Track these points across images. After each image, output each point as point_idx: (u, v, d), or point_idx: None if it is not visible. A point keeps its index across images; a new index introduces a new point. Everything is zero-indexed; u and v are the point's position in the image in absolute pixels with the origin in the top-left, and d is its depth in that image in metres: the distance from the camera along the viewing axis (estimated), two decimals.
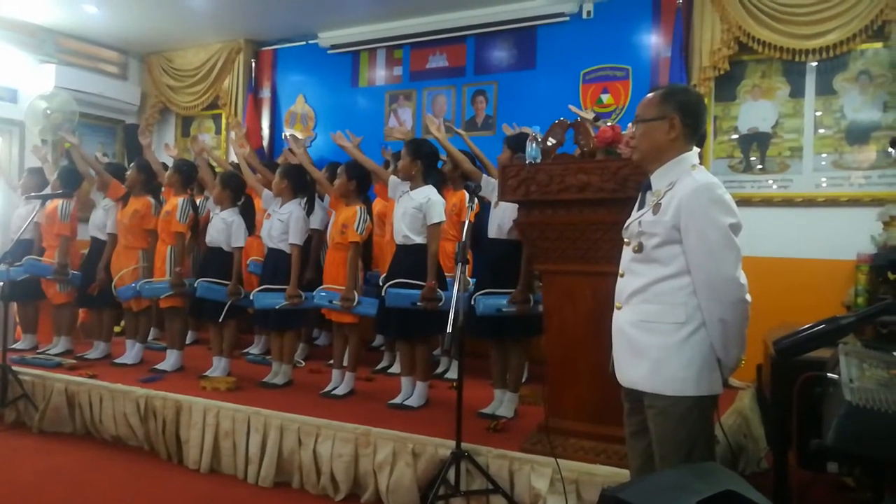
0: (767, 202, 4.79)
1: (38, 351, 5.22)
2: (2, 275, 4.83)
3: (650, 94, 2.16)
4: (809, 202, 4.66)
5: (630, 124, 2.39)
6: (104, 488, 3.44)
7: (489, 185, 3.63)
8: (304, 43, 6.60)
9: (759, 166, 4.84)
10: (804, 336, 2.04)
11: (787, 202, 4.74)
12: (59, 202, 5.06)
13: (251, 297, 4.27)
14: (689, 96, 2.16)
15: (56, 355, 5.04)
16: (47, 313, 5.42)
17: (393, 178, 4.02)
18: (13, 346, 5.11)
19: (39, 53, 6.41)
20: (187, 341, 5.14)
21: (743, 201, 4.60)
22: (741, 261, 1.99)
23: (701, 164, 2.14)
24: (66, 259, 5.11)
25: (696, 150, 2.16)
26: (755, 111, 4.85)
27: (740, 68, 4.90)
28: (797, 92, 4.73)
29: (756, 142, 4.85)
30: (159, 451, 3.89)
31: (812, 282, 4.43)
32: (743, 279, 1.98)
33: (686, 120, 2.09)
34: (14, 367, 4.43)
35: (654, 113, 2.11)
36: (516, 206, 3.14)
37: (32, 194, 5.06)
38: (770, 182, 4.81)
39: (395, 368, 4.59)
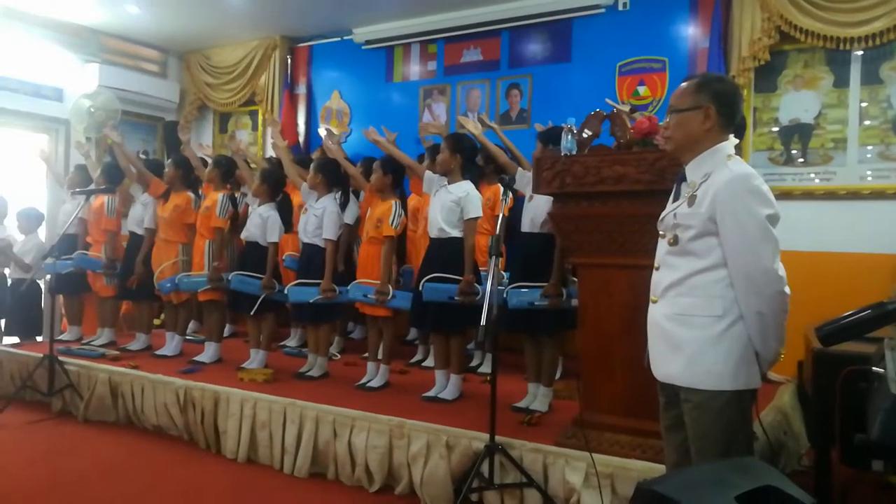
0: (809, 195, 4.67)
1: (82, 342, 5.37)
2: (49, 268, 4.98)
3: (684, 84, 2.12)
4: (854, 195, 4.54)
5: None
6: (145, 475, 3.52)
7: (523, 179, 3.62)
8: (338, 39, 6.65)
9: (801, 159, 4.72)
10: (848, 322, 1.98)
11: (830, 195, 4.61)
12: (105, 198, 5.21)
13: (286, 292, 4.33)
14: (724, 85, 2.12)
15: (100, 346, 5.18)
16: (92, 306, 5.58)
17: (428, 173, 4.02)
18: (59, 338, 5.27)
19: (84, 53, 6.57)
20: (225, 334, 5.23)
21: (783, 195, 4.50)
22: (779, 252, 1.94)
23: (739, 155, 2.10)
24: (115, 253, 5.25)
25: (732, 139, 2.11)
26: (797, 102, 4.74)
27: (781, 58, 4.78)
28: (841, 82, 4.60)
29: (798, 133, 4.73)
30: (198, 440, 3.97)
31: (855, 277, 4.31)
32: (781, 271, 1.93)
33: (721, 109, 2.05)
34: (60, 358, 4.57)
35: (688, 103, 2.08)
36: (550, 199, 3.13)
37: (78, 189, 5.20)
38: (812, 175, 4.69)
39: (429, 362, 4.60)
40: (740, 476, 1.61)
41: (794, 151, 4.75)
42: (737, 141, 2.18)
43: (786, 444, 3.42)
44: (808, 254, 4.39)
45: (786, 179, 4.73)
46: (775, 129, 4.80)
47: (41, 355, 4.54)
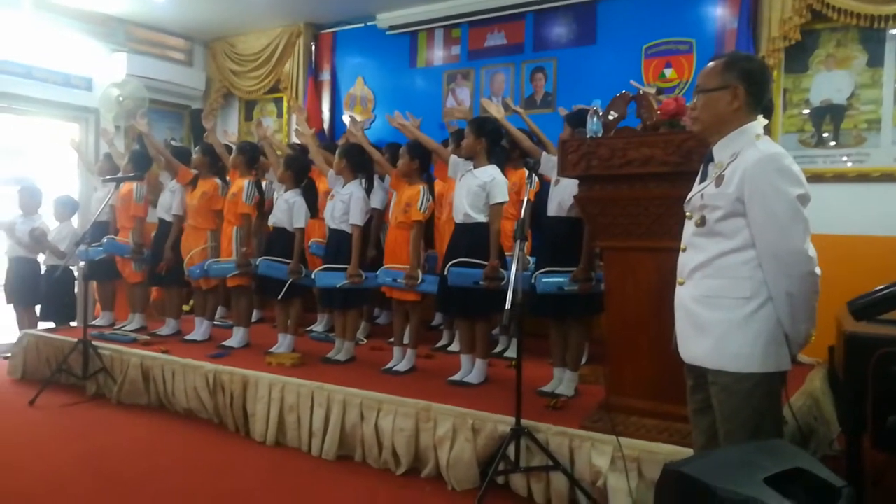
0: (841, 178, 4.57)
1: (115, 327, 5.48)
2: (81, 255, 5.08)
3: (711, 63, 2.09)
4: (888, 177, 4.43)
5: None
6: (177, 457, 3.60)
7: (549, 163, 3.59)
8: (362, 25, 6.64)
9: (833, 141, 4.62)
10: (881, 295, 1.95)
11: (864, 177, 4.51)
12: (133, 185, 5.29)
13: (313, 277, 4.37)
14: (752, 64, 2.08)
15: (132, 331, 5.28)
16: (123, 292, 5.68)
17: (454, 158, 4.02)
18: (93, 323, 5.38)
19: (112, 43, 6.65)
20: (253, 320, 5.29)
21: (815, 177, 4.40)
22: (809, 233, 1.91)
23: (768, 136, 2.07)
24: (142, 239, 5.34)
25: (761, 119, 2.08)
26: (829, 82, 4.63)
27: (813, 38, 4.67)
28: (875, 61, 4.48)
29: (829, 114, 4.63)
30: (227, 423, 4.04)
31: (888, 260, 4.21)
32: (812, 251, 1.91)
33: (750, 89, 2.02)
34: (94, 343, 4.67)
35: (715, 82, 2.04)
36: (576, 182, 3.10)
37: (108, 177, 5.29)
38: (844, 157, 4.59)
39: (455, 346, 4.62)
40: (769, 458, 1.60)
41: (825, 133, 4.65)
42: (766, 121, 2.15)
43: (816, 430, 3.38)
44: (840, 237, 4.31)
45: (816, 161, 4.64)
46: (806, 110, 4.70)
47: (75, 340, 4.65)
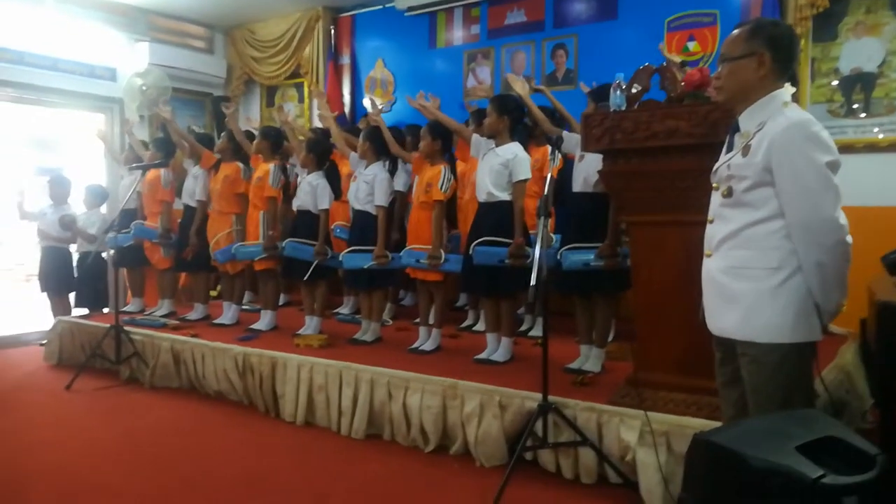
0: (872, 148, 4.48)
1: (145, 313, 5.58)
2: (111, 242, 5.17)
3: (736, 31, 2.05)
4: None
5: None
6: (209, 439, 3.66)
7: (571, 140, 3.56)
8: (380, 7, 6.62)
9: (863, 111, 4.52)
10: None
11: (895, 147, 4.42)
12: (160, 171, 5.36)
13: (340, 259, 4.39)
14: (779, 29, 2.04)
15: (161, 316, 5.38)
16: (152, 278, 5.78)
17: (476, 137, 4.00)
18: (124, 309, 5.48)
19: (134, 32, 6.71)
20: (279, 303, 5.35)
21: (845, 148, 4.32)
22: (840, 200, 1.88)
23: (796, 104, 2.03)
24: (170, 224, 5.42)
25: (788, 87, 2.04)
26: (859, 50, 4.52)
27: (841, 4, 4.55)
28: None
29: (860, 83, 4.53)
30: (257, 404, 4.10)
31: None
32: (843, 219, 1.87)
33: (776, 55, 1.98)
34: (126, 328, 4.76)
35: (741, 50, 2.01)
36: (601, 157, 3.08)
37: (134, 165, 5.36)
38: (875, 127, 4.49)
39: (480, 326, 4.64)
40: (801, 426, 1.59)
41: (855, 104, 4.55)
42: (793, 89, 2.11)
43: (849, 403, 3.34)
44: (872, 209, 4.22)
45: (847, 132, 4.55)
46: (835, 80, 4.60)
47: (108, 326, 4.74)
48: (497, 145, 3.79)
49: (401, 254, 4.17)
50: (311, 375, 3.84)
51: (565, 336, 4.06)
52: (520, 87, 3.83)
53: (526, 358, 3.85)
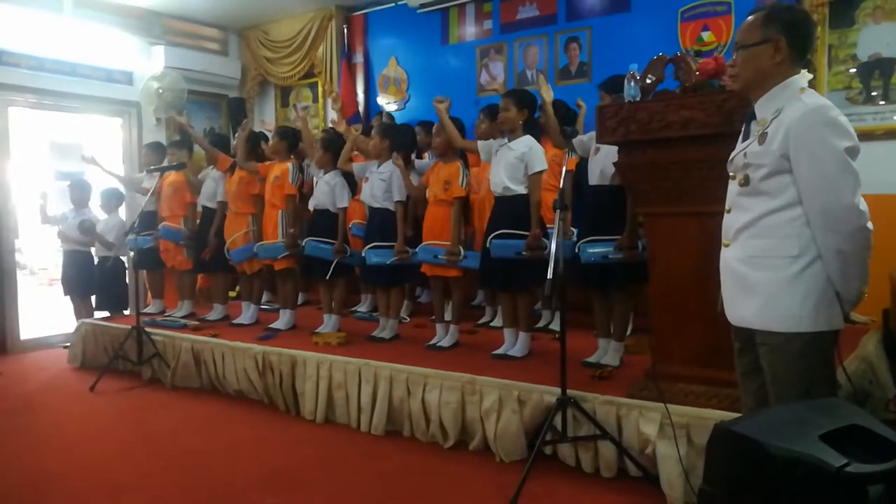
0: (892, 134, 4.41)
1: (165, 314, 5.64)
2: (131, 244, 5.23)
3: (751, 17, 2.03)
4: None
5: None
6: (231, 437, 3.70)
7: (580, 144, 3.58)
8: (393, 4, 6.63)
9: (883, 98, 4.46)
10: None
11: None
12: (183, 173, 5.41)
13: (363, 255, 4.40)
14: (795, 14, 2.01)
15: (181, 317, 5.43)
16: (171, 280, 5.83)
17: (482, 144, 4.00)
18: (144, 311, 5.54)
19: (149, 36, 6.77)
20: (298, 302, 5.38)
21: (864, 135, 4.24)
22: (860, 186, 1.85)
23: (813, 89, 2.00)
24: (195, 225, 5.47)
25: (805, 73, 2.01)
26: (877, 35, 4.45)
27: None
28: None
29: (878, 69, 4.46)
30: (278, 403, 4.13)
31: None
32: (863, 205, 1.85)
33: (792, 41, 1.95)
34: (147, 329, 4.81)
35: (756, 36, 1.99)
36: (616, 149, 3.06)
37: (153, 167, 5.40)
38: (894, 113, 4.43)
39: (497, 322, 4.63)
40: (824, 415, 1.57)
41: (874, 91, 4.48)
42: (810, 76, 2.08)
43: (872, 393, 3.31)
44: (892, 196, 4.16)
45: (866, 119, 4.48)
46: (853, 67, 4.54)
47: (129, 327, 4.80)
48: (509, 140, 3.78)
49: (416, 250, 4.18)
50: (330, 373, 3.86)
51: (583, 330, 4.04)
52: (545, 92, 3.80)
53: (544, 353, 3.85)
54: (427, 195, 4.25)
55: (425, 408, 3.48)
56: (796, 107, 1.90)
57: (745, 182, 2.01)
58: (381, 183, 4.33)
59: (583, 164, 3.94)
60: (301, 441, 3.61)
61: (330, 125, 6.22)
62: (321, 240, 4.57)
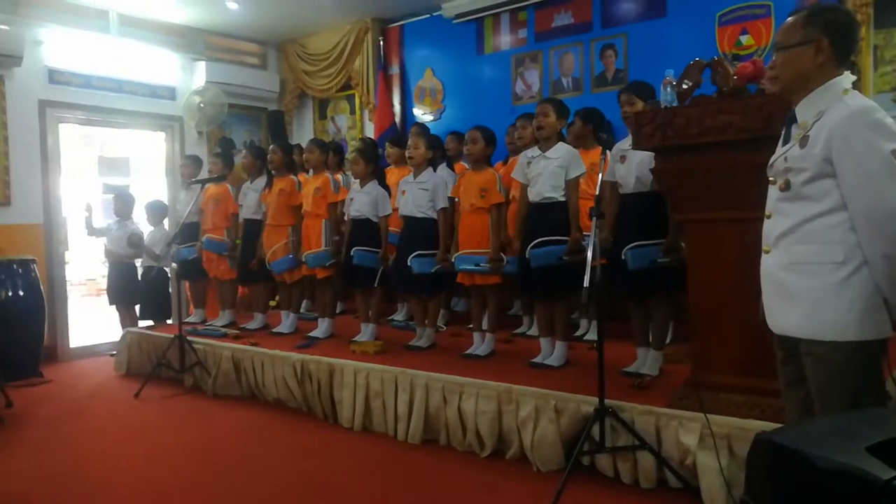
0: None
1: (206, 323, 5.75)
2: (174, 255, 5.35)
3: (791, 18, 1.99)
4: None
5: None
6: (270, 445, 3.74)
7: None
8: (428, 16, 6.68)
9: None
10: None
11: None
12: (227, 185, 5.53)
13: (409, 263, 4.39)
14: (837, 14, 1.96)
15: (222, 326, 5.52)
16: (212, 290, 5.95)
17: (519, 163, 3.99)
18: (186, 320, 5.66)
19: (191, 52, 6.96)
20: (335, 311, 5.42)
21: None
22: None
23: (857, 91, 1.95)
24: (238, 236, 5.58)
25: (848, 74, 1.96)
26: None
27: None
28: None
29: None
30: (316, 411, 4.17)
31: None
32: None
33: (835, 41, 1.91)
34: (189, 338, 4.91)
35: (797, 37, 1.94)
36: (651, 155, 3.03)
37: (194, 180, 5.53)
38: None
39: (534, 332, 4.60)
40: (871, 426, 1.52)
41: None
42: (854, 77, 2.03)
43: None
44: None
45: None
46: None
47: (172, 336, 4.91)
48: (544, 149, 3.78)
49: (453, 258, 4.18)
50: (367, 381, 3.88)
51: (621, 340, 3.99)
52: None
53: (581, 362, 3.81)
54: (460, 205, 4.25)
55: (462, 416, 3.48)
56: (839, 109, 1.86)
57: (786, 187, 1.96)
58: (423, 192, 4.34)
59: None
60: (339, 449, 3.64)
61: (368, 132, 6.31)
62: (367, 249, 4.60)
